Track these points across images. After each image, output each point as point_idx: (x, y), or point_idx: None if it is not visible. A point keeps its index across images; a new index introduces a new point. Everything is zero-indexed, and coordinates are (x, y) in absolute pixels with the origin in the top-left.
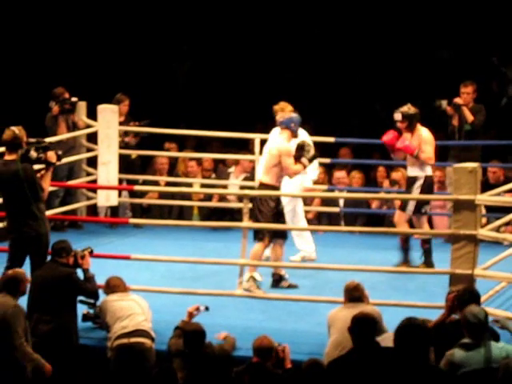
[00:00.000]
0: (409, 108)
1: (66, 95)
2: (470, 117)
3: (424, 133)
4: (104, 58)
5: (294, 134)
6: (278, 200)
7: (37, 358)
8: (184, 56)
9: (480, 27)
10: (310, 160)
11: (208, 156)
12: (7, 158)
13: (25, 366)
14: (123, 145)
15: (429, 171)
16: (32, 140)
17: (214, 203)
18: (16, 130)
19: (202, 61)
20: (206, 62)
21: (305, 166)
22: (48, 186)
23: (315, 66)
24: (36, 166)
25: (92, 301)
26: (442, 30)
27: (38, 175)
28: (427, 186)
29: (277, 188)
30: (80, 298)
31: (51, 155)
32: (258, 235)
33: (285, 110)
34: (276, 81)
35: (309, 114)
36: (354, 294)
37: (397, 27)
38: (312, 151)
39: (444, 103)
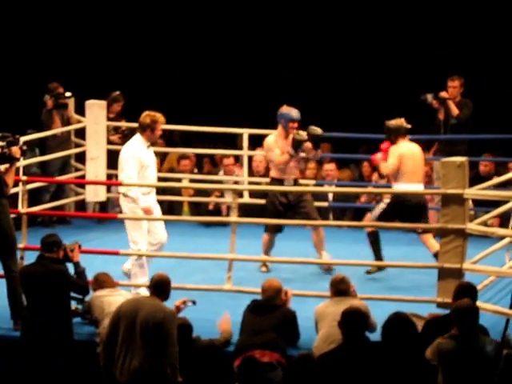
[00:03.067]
0: (394, 121)
1: (61, 90)
2: (455, 110)
3: (399, 147)
4: (96, 54)
5: (285, 129)
6: (285, 194)
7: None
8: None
9: (478, 25)
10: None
11: (195, 151)
12: None
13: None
14: (121, 137)
15: (405, 188)
16: None
17: (204, 198)
18: None
19: (197, 59)
20: (201, 61)
21: (291, 156)
22: (12, 181)
23: (316, 64)
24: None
25: (80, 296)
26: (438, 28)
27: (2, 169)
28: (394, 205)
29: (282, 181)
30: None
31: (15, 150)
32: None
33: None
34: (274, 81)
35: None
36: (341, 287)
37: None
38: (304, 138)
39: (430, 97)
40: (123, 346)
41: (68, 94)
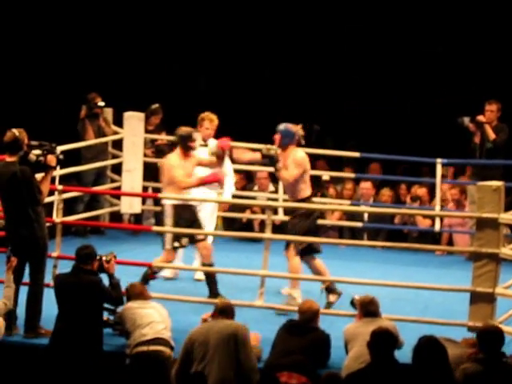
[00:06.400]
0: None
1: (98, 100)
2: (491, 135)
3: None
4: (132, 67)
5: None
6: (311, 214)
7: None
8: (204, 68)
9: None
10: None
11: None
12: (8, 159)
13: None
14: (155, 151)
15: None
16: (34, 143)
17: (238, 214)
18: (16, 131)
19: (220, 71)
20: (224, 73)
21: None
22: (47, 189)
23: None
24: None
25: (113, 307)
26: (478, 52)
27: (38, 178)
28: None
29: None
30: None
31: (51, 159)
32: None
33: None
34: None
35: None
36: (370, 309)
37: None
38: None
39: (466, 120)
40: (199, 366)
41: (101, 103)
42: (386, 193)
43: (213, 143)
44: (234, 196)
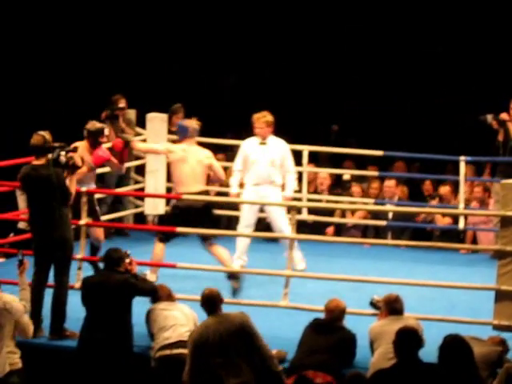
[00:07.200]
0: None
1: (121, 102)
2: None
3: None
4: (155, 69)
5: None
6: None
7: None
8: (229, 68)
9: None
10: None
11: None
12: (35, 162)
13: None
14: None
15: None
16: (56, 144)
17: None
18: (46, 134)
19: (248, 72)
20: (251, 74)
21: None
22: (74, 190)
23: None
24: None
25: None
26: (502, 49)
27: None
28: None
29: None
30: None
31: (78, 159)
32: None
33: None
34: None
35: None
36: (395, 306)
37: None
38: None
39: (489, 117)
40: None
41: (121, 104)
42: (403, 189)
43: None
44: None
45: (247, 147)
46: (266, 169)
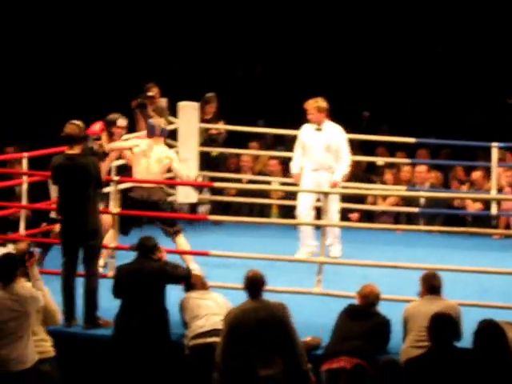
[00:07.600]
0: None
1: (153, 90)
2: None
3: None
4: (187, 58)
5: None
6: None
7: None
8: (258, 56)
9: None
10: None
11: (283, 154)
12: (69, 151)
13: None
14: (209, 140)
15: None
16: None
17: (293, 202)
18: (80, 123)
19: (276, 60)
20: (280, 61)
21: None
22: (104, 178)
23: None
24: None
25: None
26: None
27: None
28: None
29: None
30: None
31: (107, 147)
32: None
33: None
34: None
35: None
36: (434, 283)
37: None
38: None
39: None
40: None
41: (150, 93)
42: (434, 175)
43: None
44: (289, 184)
45: (304, 133)
46: (322, 154)
